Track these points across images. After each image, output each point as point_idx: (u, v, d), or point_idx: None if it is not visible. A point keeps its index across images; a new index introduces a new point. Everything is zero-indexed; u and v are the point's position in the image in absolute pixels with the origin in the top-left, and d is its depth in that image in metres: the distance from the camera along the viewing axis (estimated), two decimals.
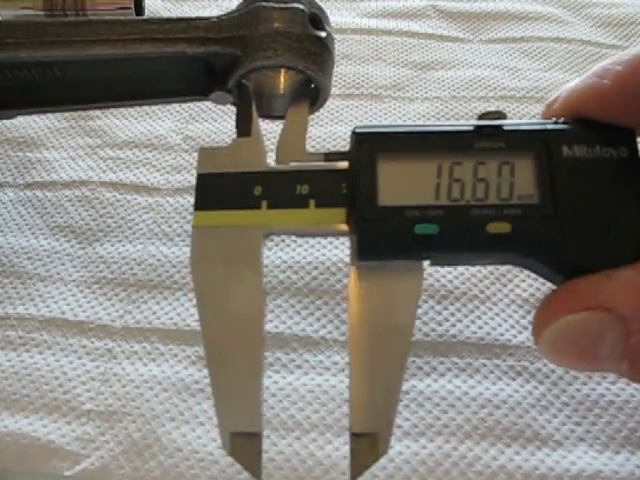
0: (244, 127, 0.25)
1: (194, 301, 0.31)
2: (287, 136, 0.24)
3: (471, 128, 0.22)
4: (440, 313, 0.30)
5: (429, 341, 0.29)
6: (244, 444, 0.21)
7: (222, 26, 0.27)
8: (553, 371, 0.28)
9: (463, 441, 0.26)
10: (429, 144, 0.22)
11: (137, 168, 0.38)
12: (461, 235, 0.21)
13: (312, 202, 0.22)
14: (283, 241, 0.33)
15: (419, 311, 0.30)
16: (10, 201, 0.36)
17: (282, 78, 0.29)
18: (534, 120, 0.23)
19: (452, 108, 0.40)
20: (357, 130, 0.23)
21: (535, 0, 0.48)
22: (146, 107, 0.41)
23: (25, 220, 0.35)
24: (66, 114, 0.41)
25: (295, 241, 0.33)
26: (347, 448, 0.26)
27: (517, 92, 0.41)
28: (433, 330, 0.30)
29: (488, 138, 0.22)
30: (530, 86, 0.42)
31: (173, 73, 0.29)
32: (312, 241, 0.33)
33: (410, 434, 0.27)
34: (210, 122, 0.40)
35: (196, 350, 0.29)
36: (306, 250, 0.33)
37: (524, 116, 0.40)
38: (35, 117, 0.41)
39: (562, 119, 0.22)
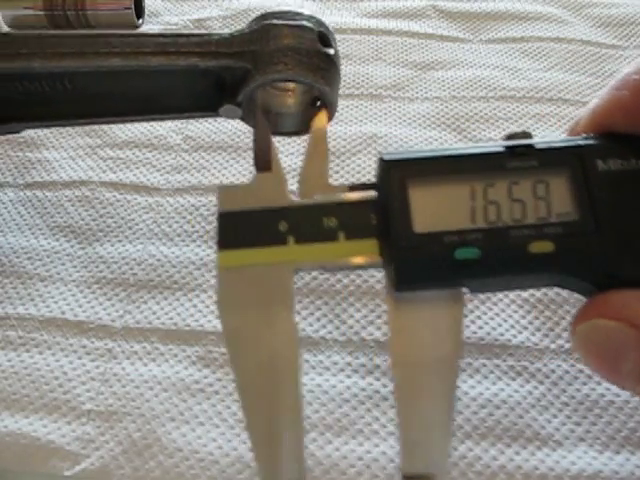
0: (263, 162, 0.24)
1: (194, 301, 0.31)
2: (309, 169, 0.24)
3: (502, 148, 0.22)
4: None
5: None
6: None
7: (234, 41, 0.28)
8: (553, 371, 0.28)
9: (463, 441, 0.26)
10: (460, 167, 0.22)
11: (137, 168, 0.38)
12: (503, 257, 0.21)
13: (341, 235, 0.22)
14: None
15: None
16: (10, 201, 0.36)
17: (290, 95, 0.29)
18: (564, 137, 0.23)
19: (452, 108, 0.40)
20: (385, 157, 0.22)
21: (535, 0, 0.48)
22: None
23: (25, 220, 0.35)
24: None
25: None
26: (347, 448, 0.26)
27: (517, 92, 0.41)
28: None
29: (520, 158, 0.22)
30: (530, 86, 0.42)
31: (183, 88, 0.29)
32: None
33: None
34: (210, 122, 0.40)
35: (196, 350, 0.29)
36: None
37: (524, 116, 0.40)
38: None
39: (591, 134, 0.22)
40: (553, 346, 0.29)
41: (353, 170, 0.37)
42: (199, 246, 0.33)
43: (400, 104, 0.41)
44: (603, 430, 0.27)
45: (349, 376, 0.28)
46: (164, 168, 0.38)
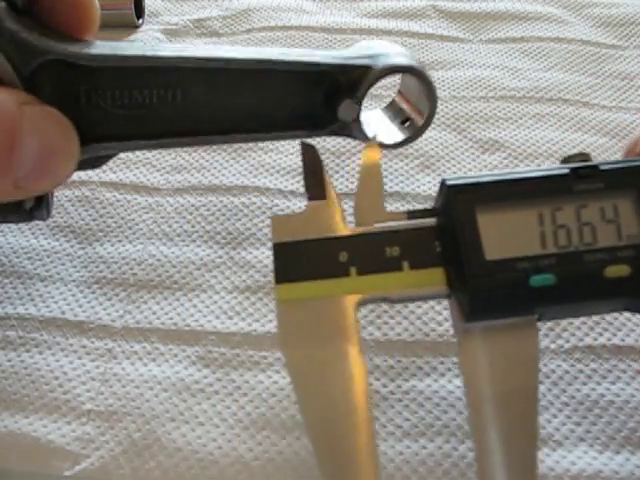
0: (317, 190, 0.23)
1: (194, 301, 0.31)
2: (364, 196, 0.23)
3: (567, 171, 0.21)
4: (440, 313, 0.30)
5: (429, 341, 0.29)
6: None
7: None
8: (553, 371, 0.28)
9: (463, 441, 0.26)
10: (526, 191, 0.21)
11: (137, 168, 0.38)
12: (578, 283, 0.20)
13: (405, 264, 0.21)
14: None
15: (419, 311, 0.30)
16: None
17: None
18: (628, 158, 0.22)
19: (452, 108, 0.40)
20: (448, 182, 0.22)
21: (535, 0, 0.48)
22: None
23: None
24: None
25: None
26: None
27: (517, 92, 0.41)
28: (433, 330, 0.30)
29: (585, 180, 0.21)
30: (530, 86, 0.42)
31: (294, 98, 0.29)
32: None
33: (410, 434, 0.27)
34: None
35: (196, 350, 0.29)
36: None
37: (524, 116, 0.40)
38: None
39: None
40: (553, 346, 0.29)
41: (353, 170, 0.37)
42: (199, 246, 0.33)
43: None
44: (603, 430, 0.27)
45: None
46: (164, 168, 0.38)
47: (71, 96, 0.26)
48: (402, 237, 0.21)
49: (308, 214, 0.22)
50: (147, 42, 0.46)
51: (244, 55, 0.27)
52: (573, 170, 0.21)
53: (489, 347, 0.20)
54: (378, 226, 0.22)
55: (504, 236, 0.20)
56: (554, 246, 0.20)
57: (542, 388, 0.28)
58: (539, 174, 0.21)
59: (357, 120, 0.29)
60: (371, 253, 0.21)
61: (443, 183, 0.22)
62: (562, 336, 0.29)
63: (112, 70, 0.26)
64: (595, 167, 0.21)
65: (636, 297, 0.20)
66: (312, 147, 0.24)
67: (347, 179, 0.36)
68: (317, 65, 0.28)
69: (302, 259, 0.21)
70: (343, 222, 0.22)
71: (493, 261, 0.20)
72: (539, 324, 0.21)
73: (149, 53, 0.26)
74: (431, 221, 0.22)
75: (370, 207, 0.22)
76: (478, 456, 0.20)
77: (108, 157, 0.28)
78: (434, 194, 0.35)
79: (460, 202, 0.21)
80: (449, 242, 0.21)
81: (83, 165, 0.27)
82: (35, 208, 0.26)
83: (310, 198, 0.23)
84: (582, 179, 0.21)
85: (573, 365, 0.28)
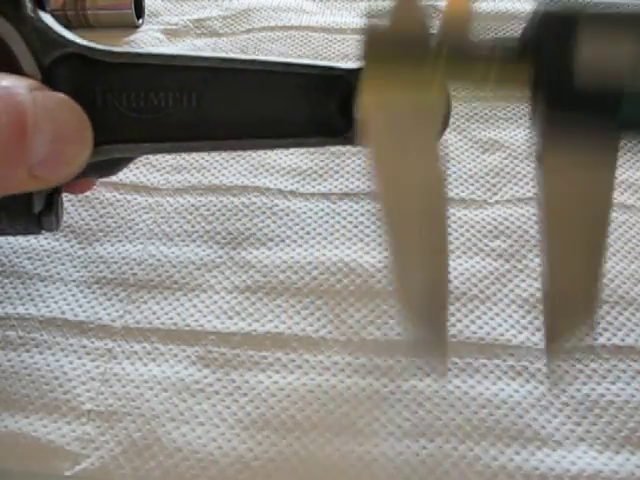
0: None
1: (194, 301, 0.31)
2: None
3: None
4: None
5: None
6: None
7: None
8: (553, 371, 0.28)
9: (463, 441, 0.26)
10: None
11: (137, 168, 0.38)
12: None
13: (494, 59, 0.21)
14: (283, 241, 0.33)
15: None
16: None
17: None
18: None
19: (453, 107, 0.40)
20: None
21: (536, 0, 0.48)
22: None
23: None
24: None
25: (295, 241, 0.33)
26: (347, 448, 0.26)
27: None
28: None
29: None
30: None
31: (308, 104, 0.28)
32: (312, 241, 0.33)
33: (410, 434, 0.27)
34: None
35: (196, 350, 0.29)
36: (306, 250, 0.33)
37: (524, 116, 0.40)
38: None
39: None
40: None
41: (353, 170, 0.37)
42: (199, 246, 0.33)
43: None
44: (603, 430, 0.27)
45: (349, 376, 0.28)
46: (164, 168, 0.38)
47: (87, 95, 0.26)
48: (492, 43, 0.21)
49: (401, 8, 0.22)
50: (148, 42, 0.46)
51: (259, 58, 0.27)
52: None
53: (569, 164, 0.19)
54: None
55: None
56: None
57: (542, 388, 0.28)
58: None
59: None
60: (462, 45, 0.21)
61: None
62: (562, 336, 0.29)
63: (128, 69, 0.26)
64: None
65: None
66: None
67: (347, 179, 0.36)
68: (332, 69, 0.27)
69: (393, 44, 0.21)
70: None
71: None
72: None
73: (165, 52, 0.27)
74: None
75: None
76: (546, 273, 0.20)
77: (126, 161, 0.29)
78: None
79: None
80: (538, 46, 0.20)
81: (102, 171, 0.28)
82: (44, 213, 0.26)
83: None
84: None
85: (573, 365, 0.28)
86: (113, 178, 0.37)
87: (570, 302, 0.20)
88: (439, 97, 0.21)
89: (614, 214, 0.34)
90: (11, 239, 0.34)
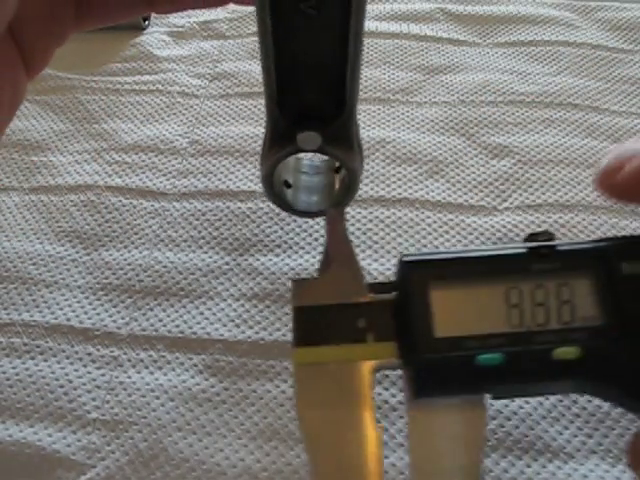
0: (338, 251, 0.23)
1: (201, 308, 0.31)
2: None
3: (524, 250, 0.22)
4: None
5: None
6: None
7: None
8: None
9: None
10: (482, 269, 0.21)
11: (143, 172, 0.37)
12: (526, 364, 0.20)
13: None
14: (290, 248, 0.33)
15: None
16: (15, 205, 0.36)
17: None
18: (586, 240, 0.22)
19: (461, 113, 0.40)
20: (405, 259, 0.22)
21: (544, 3, 0.48)
22: (152, 110, 0.41)
23: (30, 225, 0.35)
24: (71, 117, 0.41)
25: (303, 248, 0.33)
26: None
27: (526, 97, 0.41)
28: None
29: (543, 260, 0.21)
30: (539, 90, 0.41)
31: None
32: (319, 247, 0.33)
33: None
34: (217, 126, 0.40)
35: (203, 358, 0.29)
36: (314, 257, 0.33)
37: (533, 121, 0.39)
38: (40, 120, 0.41)
39: (614, 238, 0.22)
40: None
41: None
42: (206, 252, 0.33)
43: (408, 108, 0.40)
44: (615, 442, 0.26)
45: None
46: (170, 173, 0.37)
47: None
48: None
49: (329, 279, 0.22)
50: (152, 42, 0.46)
51: None
52: (531, 249, 0.21)
53: (436, 423, 0.20)
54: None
55: (456, 314, 0.21)
56: (505, 325, 0.20)
57: (552, 399, 0.27)
58: (497, 253, 0.22)
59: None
60: (389, 321, 0.21)
61: (400, 259, 0.22)
62: None
63: None
64: (553, 247, 0.21)
65: (586, 380, 0.20)
66: (335, 211, 0.24)
67: None
68: None
69: (321, 324, 0.21)
70: (364, 289, 0.22)
71: (442, 338, 0.20)
72: None
73: None
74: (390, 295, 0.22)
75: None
76: None
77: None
78: (443, 200, 0.35)
79: (414, 279, 0.21)
80: (403, 317, 0.21)
81: None
82: None
83: (333, 264, 0.23)
84: (539, 259, 0.21)
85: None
86: (119, 182, 0.37)
87: None
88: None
89: None
90: (16, 244, 0.34)
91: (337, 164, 0.31)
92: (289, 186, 0.29)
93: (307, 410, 0.21)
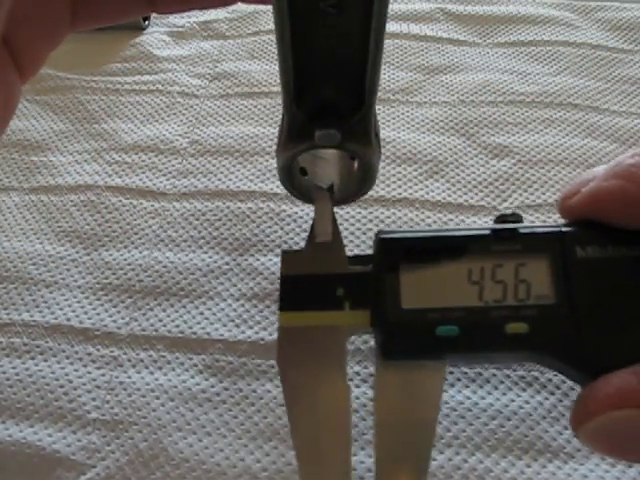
0: (324, 227, 0.25)
1: (201, 308, 0.31)
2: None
3: (488, 232, 0.23)
4: None
5: None
6: None
7: None
8: (564, 382, 0.28)
9: (473, 453, 0.26)
10: (448, 248, 0.23)
11: (143, 172, 0.37)
12: (480, 336, 0.22)
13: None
14: (290, 247, 0.33)
15: None
16: (15, 205, 0.36)
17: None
18: (548, 223, 0.25)
19: (461, 113, 0.40)
20: (381, 236, 0.24)
21: (544, 3, 0.48)
22: (152, 111, 0.41)
23: (30, 225, 0.35)
24: (71, 117, 0.41)
25: None
26: (355, 459, 0.26)
27: (526, 97, 0.41)
28: None
29: (504, 241, 0.23)
30: (539, 90, 0.41)
31: None
32: None
33: None
34: (217, 126, 0.40)
35: (203, 358, 0.29)
36: None
37: (533, 121, 0.39)
38: (40, 120, 0.41)
39: (574, 222, 0.23)
40: None
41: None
42: (206, 252, 0.33)
43: (408, 108, 0.40)
44: None
45: (358, 386, 0.28)
46: (170, 172, 0.37)
47: None
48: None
49: (314, 251, 0.25)
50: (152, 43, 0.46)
51: None
52: (494, 231, 0.23)
53: (400, 382, 0.22)
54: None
55: (422, 288, 0.23)
56: (465, 300, 0.22)
57: (552, 399, 0.27)
58: (463, 234, 0.24)
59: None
60: (364, 290, 0.23)
61: (377, 234, 0.24)
62: None
63: None
64: (514, 230, 0.23)
65: (533, 353, 0.22)
66: (322, 189, 0.27)
67: None
68: None
69: (305, 292, 0.24)
70: (345, 260, 0.24)
71: (408, 309, 0.22)
72: None
73: None
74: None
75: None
76: (376, 477, 0.22)
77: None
78: (443, 200, 0.35)
79: (387, 254, 0.23)
80: (376, 288, 0.23)
81: None
82: None
83: (318, 237, 0.25)
84: (502, 240, 0.23)
85: (571, 416, 0.28)
86: (119, 182, 0.37)
87: None
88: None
89: None
90: (16, 244, 0.34)
91: None
92: (305, 173, 0.29)
93: (287, 367, 0.23)
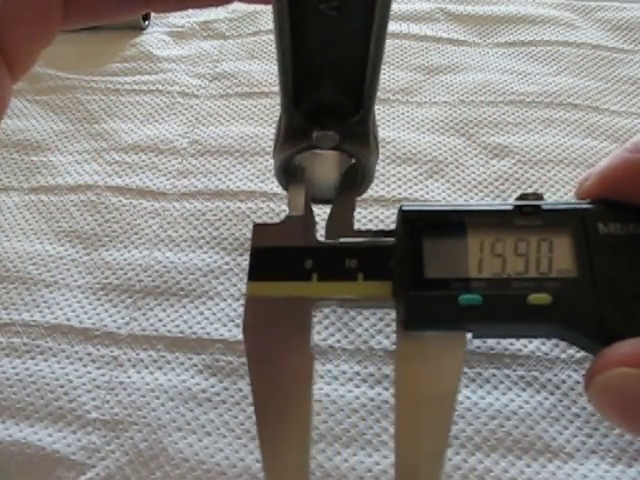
0: (296, 205, 0.26)
1: (201, 308, 0.31)
2: (336, 214, 0.26)
3: (511, 207, 0.24)
4: None
5: None
6: None
7: None
8: (564, 381, 0.28)
9: (473, 453, 0.26)
10: (472, 222, 0.23)
11: (143, 172, 0.37)
12: (503, 305, 0.22)
13: (360, 275, 0.23)
14: None
15: None
16: (15, 205, 0.36)
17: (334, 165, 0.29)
18: (571, 201, 0.24)
19: (461, 113, 0.40)
20: (404, 208, 0.24)
21: (544, 3, 0.48)
22: (152, 111, 0.41)
23: (30, 225, 0.35)
24: (71, 117, 0.41)
25: None
26: (356, 459, 0.26)
27: (526, 97, 0.41)
28: None
29: (527, 217, 0.23)
30: (539, 90, 0.41)
31: None
32: None
33: None
34: (217, 126, 0.40)
35: (203, 358, 0.29)
36: None
37: (533, 121, 0.39)
38: (40, 120, 0.41)
39: (595, 201, 0.24)
40: (564, 356, 0.29)
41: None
42: (206, 252, 0.33)
43: (408, 108, 0.40)
44: (615, 442, 0.26)
45: (358, 385, 0.28)
46: (170, 172, 0.37)
47: None
48: (361, 252, 0.24)
49: (285, 225, 0.25)
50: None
51: None
52: (517, 207, 0.24)
53: (421, 353, 0.22)
54: (343, 240, 0.24)
55: (445, 259, 0.23)
56: (488, 272, 0.23)
57: (553, 399, 0.28)
58: (487, 208, 0.24)
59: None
60: (332, 263, 0.24)
61: (400, 209, 0.24)
62: (573, 346, 0.29)
63: None
64: (538, 206, 0.23)
65: (555, 324, 0.22)
66: (299, 168, 0.27)
67: None
68: None
69: (274, 263, 0.24)
70: (315, 235, 0.25)
71: (431, 279, 0.22)
72: None
73: None
74: (390, 240, 0.24)
75: (340, 224, 0.25)
76: (396, 447, 0.22)
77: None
78: (442, 200, 0.35)
79: (411, 226, 0.23)
80: (399, 259, 0.23)
81: None
82: None
83: (290, 212, 0.26)
84: (524, 215, 0.23)
85: (584, 376, 0.28)
86: (119, 182, 0.37)
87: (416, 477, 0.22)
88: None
89: None
90: (16, 244, 0.34)
91: None
92: (302, 170, 0.29)
93: (253, 334, 0.23)
